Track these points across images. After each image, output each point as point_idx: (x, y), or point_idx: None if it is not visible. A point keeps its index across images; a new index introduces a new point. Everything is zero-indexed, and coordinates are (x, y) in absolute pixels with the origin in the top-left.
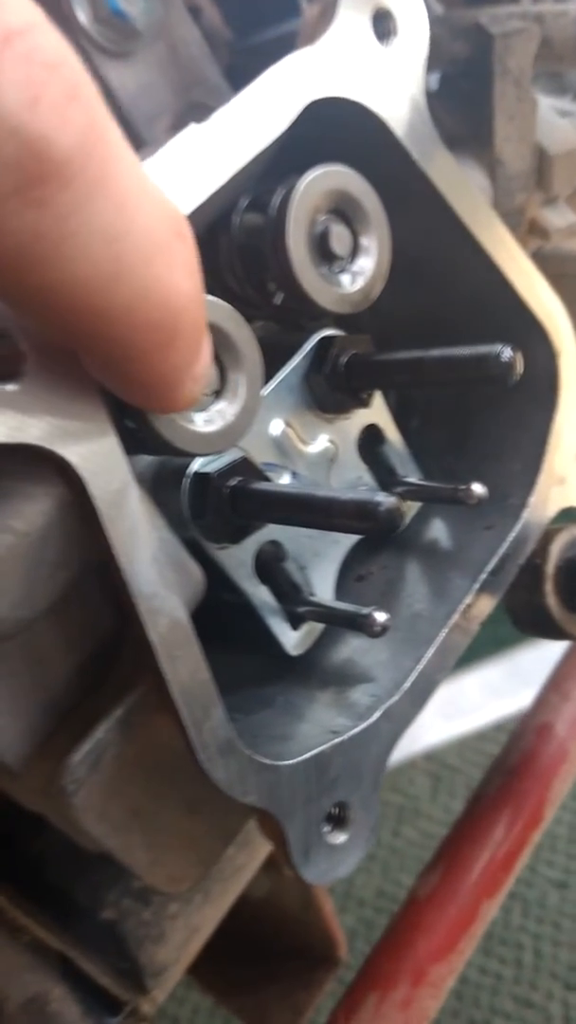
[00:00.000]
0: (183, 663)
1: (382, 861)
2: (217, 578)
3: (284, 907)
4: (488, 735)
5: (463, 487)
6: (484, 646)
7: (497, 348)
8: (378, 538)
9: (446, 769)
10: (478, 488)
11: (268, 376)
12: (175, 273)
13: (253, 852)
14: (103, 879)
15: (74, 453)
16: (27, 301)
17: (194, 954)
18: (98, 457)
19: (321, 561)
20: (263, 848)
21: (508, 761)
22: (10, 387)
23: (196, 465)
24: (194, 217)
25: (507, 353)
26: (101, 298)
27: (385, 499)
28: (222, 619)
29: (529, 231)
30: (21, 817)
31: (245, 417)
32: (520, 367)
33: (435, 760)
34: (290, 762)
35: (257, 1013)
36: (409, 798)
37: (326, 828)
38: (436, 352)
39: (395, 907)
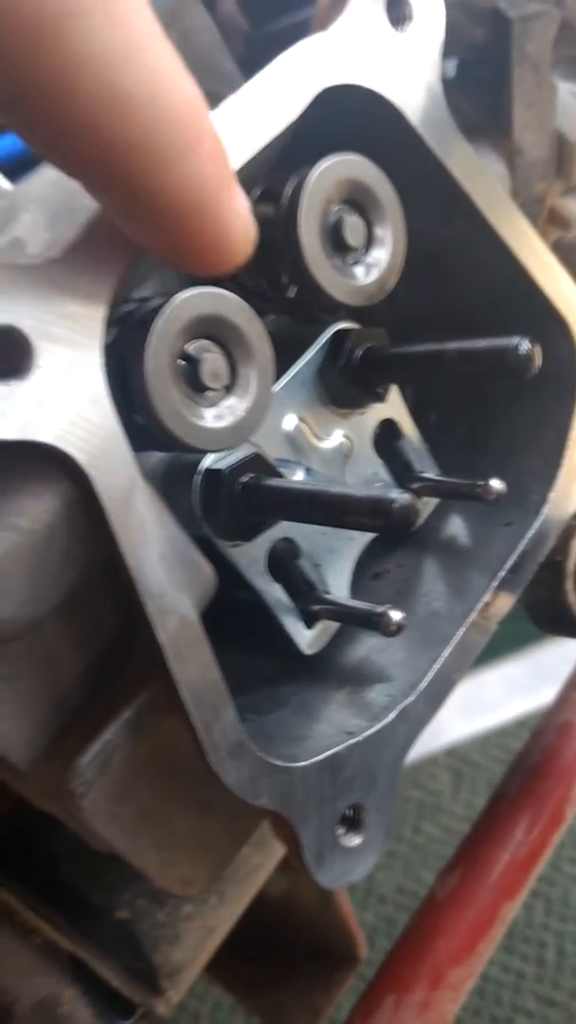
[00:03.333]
0: (192, 663)
1: (403, 858)
2: (230, 576)
3: (302, 906)
4: (510, 731)
5: (481, 483)
6: (506, 642)
7: (515, 341)
8: (394, 536)
9: (468, 765)
10: (496, 484)
11: (281, 371)
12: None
13: (269, 852)
14: (118, 879)
15: (80, 450)
16: (34, 90)
17: (210, 955)
18: (104, 454)
19: (336, 559)
20: (279, 848)
21: (529, 760)
22: (15, 383)
23: (207, 461)
24: None
25: (525, 346)
26: (110, 78)
27: (400, 496)
28: (235, 618)
29: (549, 220)
30: (36, 815)
31: (256, 412)
32: (538, 360)
33: (457, 756)
34: (303, 763)
35: (276, 1013)
36: (430, 794)
37: (340, 831)
38: (453, 345)
39: (416, 904)
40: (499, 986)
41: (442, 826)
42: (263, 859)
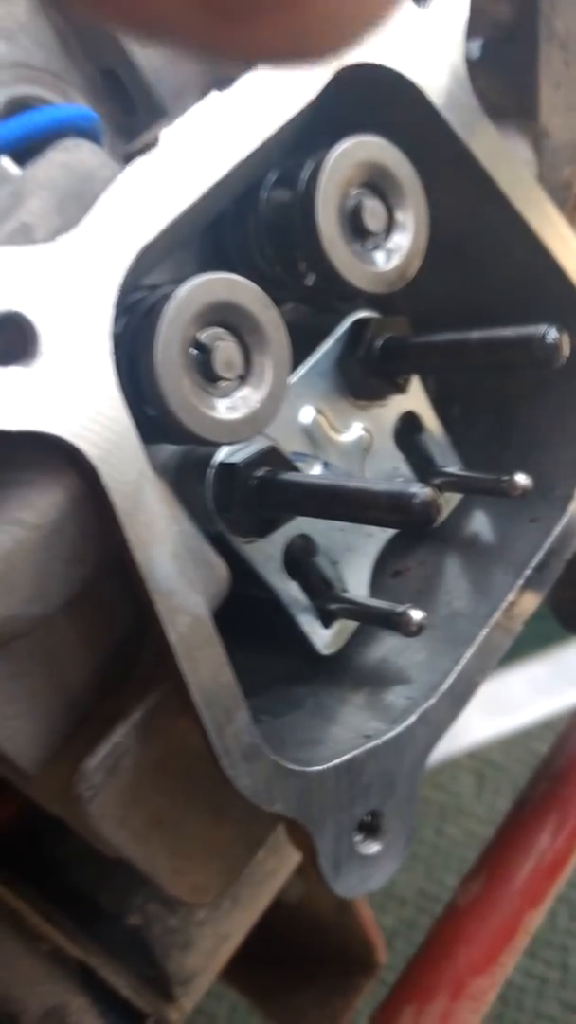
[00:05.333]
0: (204, 664)
1: (424, 860)
2: (244, 574)
3: (319, 911)
4: (534, 733)
5: (506, 478)
6: (530, 643)
7: (542, 329)
8: (415, 532)
9: (491, 767)
10: (522, 479)
11: (299, 361)
12: None
13: (284, 857)
14: (129, 883)
15: (88, 442)
16: None
17: (224, 961)
18: (113, 447)
19: (354, 556)
20: (295, 852)
21: (554, 765)
22: (20, 369)
23: (221, 455)
24: (216, 192)
25: (552, 334)
26: None
27: (420, 490)
28: (249, 617)
29: None
30: (45, 818)
31: (271, 404)
32: (566, 348)
33: (479, 757)
34: (320, 768)
35: (293, 1019)
36: (452, 796)
37: (358, 838)
38: (477, 334)
39: (437, 907)
40: (522, 992)
41: (464, 828)
42: (278, 864)
